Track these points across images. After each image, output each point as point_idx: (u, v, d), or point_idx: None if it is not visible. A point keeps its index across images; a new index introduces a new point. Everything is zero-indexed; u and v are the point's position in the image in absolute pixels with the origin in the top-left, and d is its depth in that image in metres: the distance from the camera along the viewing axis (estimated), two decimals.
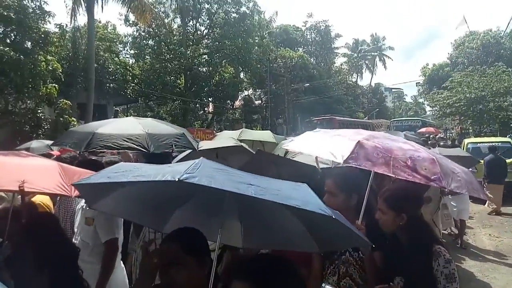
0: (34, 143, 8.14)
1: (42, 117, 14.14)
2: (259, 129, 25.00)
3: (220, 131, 15.75)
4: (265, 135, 8.35)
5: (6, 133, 13.08)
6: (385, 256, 2.23)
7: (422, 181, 2.12)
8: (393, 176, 2.20)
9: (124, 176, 1.45)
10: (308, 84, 31.83)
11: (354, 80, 49.19)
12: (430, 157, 2.22)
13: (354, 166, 2.19)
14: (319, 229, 1.63)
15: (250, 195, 1.28)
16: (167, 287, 1.63)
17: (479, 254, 7.28)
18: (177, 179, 1.25)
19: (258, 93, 35.32)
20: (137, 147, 3.50)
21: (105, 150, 3.55)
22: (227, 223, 1.93)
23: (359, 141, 2.28)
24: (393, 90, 64.57)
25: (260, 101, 34.40)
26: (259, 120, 32.89)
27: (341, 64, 48.59)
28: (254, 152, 4.68)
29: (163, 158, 3.64)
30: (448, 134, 28.90)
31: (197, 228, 1.69)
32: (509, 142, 13.54)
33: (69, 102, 14.78)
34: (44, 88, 13.15)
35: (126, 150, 3.82)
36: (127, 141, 3.49)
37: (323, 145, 2.53)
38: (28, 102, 13.83)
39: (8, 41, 13.02)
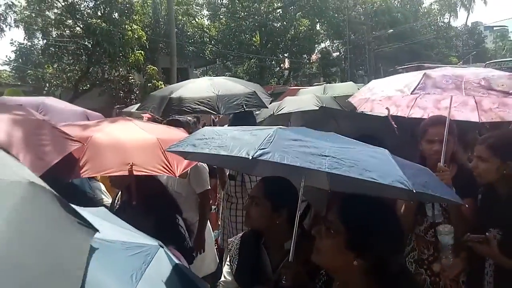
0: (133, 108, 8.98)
1: (133, 83, 15.39)
2: (339, 82, 24.04)
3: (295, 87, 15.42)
4: (349, 88, 7.93)
5: (105, 100, 14.59)
6: (479, 206, 2.09)
7: (500, 96, 1.96)
8: (464, 96, 2.09)
9: (207, 146, 1.52)
10: (391, 30, 29.21)
11: (446, 21, 43.77)
12: (506, 74, 2.07)
13: (422, 94, 2.07)
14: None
15: (324, 170, 1.28)
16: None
17: None
18: (250, 157, 1.29)
19: (336, 44, 33.51)
20: (208, 109, 3.68)
21: (179, 114, 3.75)
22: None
23: (425, 72, 2.16)
24: (494, 28, 56.18)
25: (338, 53, 32.74)
26: (338, 73, 31.50)
27: (431, 4, 43.28)
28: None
29: (248, 117, 3.75)
30: None
31: (284, 173, 1.75)
32: None
33: (155, 67, 15.78)
34: (133, 56, 14.18)
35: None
36: (198, 105, 3.67)
37: (386, 86, 2.39)
38: (120, 69, 15.10)
39: (99, 13, 14.11)
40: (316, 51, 30.65)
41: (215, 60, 26.02)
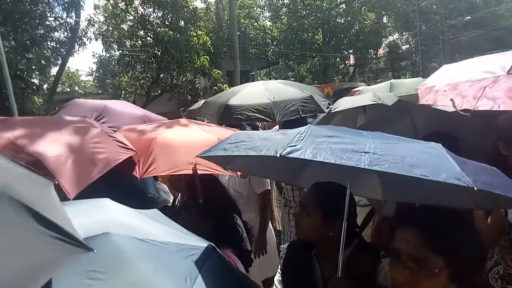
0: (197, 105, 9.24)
1: (199, 87, 16.02)
2: (409, 77, 22.55)
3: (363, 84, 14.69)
4: (416, 84, 7.17)
5: (174, 104, 15.38)
6: None
7: None
8: None
9: (237, 149, 1.42)
10: (469, 17, 26.74)
11: None
12: None
13: None
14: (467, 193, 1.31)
15: (362, 167, 1.11)
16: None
17: None
18: (278, 155, 1.18)
19: (405, 36, 31.61)
20: (264, 117, 3.62)
21: (235, 121, 3.76)
22: (362, 176, 1.78)
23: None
24: None
25: (408, 46, 30.83)
26: (408, 66, 29.67)
27: None
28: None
29: (300, 123, 3.59)
30: None
31: (333, 181, 1.61)
32: None
33: (219, 71, 16.27)
34: (198, 61, 14.76)
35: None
36: (255, 112, 3.62)
37: (469, 69, 2.04)
38: (187, 74, 15.82)
39: (166, 22, 14.92)
40: (383, 45, 29.20)
41: (277, 60, 26.08)
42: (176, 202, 2.70)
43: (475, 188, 1.02)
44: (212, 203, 2.02)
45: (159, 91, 16.51)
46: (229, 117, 3.70)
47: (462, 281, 0.97)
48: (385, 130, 1.66)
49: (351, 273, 1.49)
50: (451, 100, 2.08)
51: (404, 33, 30.98)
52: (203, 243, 1.02)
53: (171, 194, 3.21)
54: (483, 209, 1.75)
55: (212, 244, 1.03)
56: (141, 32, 15.66)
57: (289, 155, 1.18)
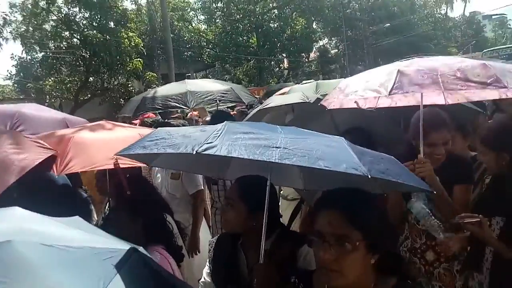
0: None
1: (133, 91, 15.46)
2: (339, 79, 23.94)
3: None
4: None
5: (105, 109, 14.68)
6: (483, 194, 2.08)
7: (478, 89, 1.89)
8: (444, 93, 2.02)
9: (156, 146, 1.44)
10: (388, 24, 29.18)
11: (443, 12, 43.58)
12: (479, 63, 1.97)
13: (401, 94, 2.01)
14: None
15: (273, 160, 1.23)
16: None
17: None
18: (194, 152, 1.24)
19: (334, 41, 33.52)
20: (178, 105, 3.74)
21: (152, 111, 3.85)
22: (284, 167, 1.89)
23: (398, 69, 2.05)
24: (493, 17, 55.77)
25: (336, 50, 32.73)
26: (337, 69, 31.48)
27: None
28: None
29: (226, 117, 3.73)
30: None
31: (257, 174, 1.69)
32: None
33: (154, 74, 15.85)
34: (131, 63, 14.25)
35: (201, 107, 4.03)
36: (170, 101, 3.74)
37: (360, 85, 2.27)
38: (119, 78, 15.18)
39: (94, 24, 14.20)
40: (314, 49, 30.66)
41: (213, 63, 26.12)
42: (105, 210, 2.65)
43: (369, 176, 1.19)
44: (139, 200, 2.02)
45: (89, 95, 15.65)
46: (143, 108, 3.77)
47: (376, 249, 1.14)
48: (308, 126, 1.81)
49: (273, 259, 1.58)
50: (356, 102, 2.34)
51: (333, 38, 32.87)
52: (124, 246, 0.99)
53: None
54: (385, 192, 1.95)
55: (135, 246, 1.01)
56: (66, 33, 14.72)
57: (205, 152, 1.24)
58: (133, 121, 5.92)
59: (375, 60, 30.92)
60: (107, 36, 13.27)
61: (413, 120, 2.28)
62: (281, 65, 29.22)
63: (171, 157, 1.83)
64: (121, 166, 2.08)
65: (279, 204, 3.86)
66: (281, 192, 3.82)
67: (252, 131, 1.42)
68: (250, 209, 1.67)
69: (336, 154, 1.31)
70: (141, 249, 1.07)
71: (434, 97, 2.23)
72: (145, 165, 2.36)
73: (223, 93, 3.89)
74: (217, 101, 3.77)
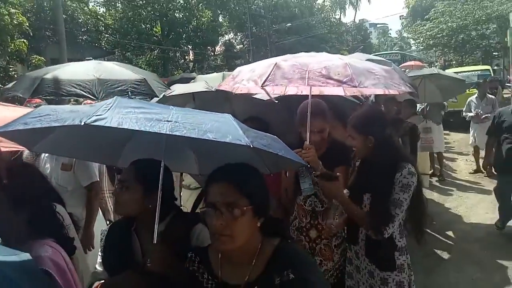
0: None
1: (15, 75, 13.63)
2: None
3: None
4: None
5: None
6: (356, 175, 2.37)
7: (335, 86, 2.19)
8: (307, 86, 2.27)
9: (39, 122, 1.35)
10: (290, 24, 30.81)
11: (337, 17, 47.70)
12: (343, 63, 2.25)
13: (271, 86, 2.23)
14: (261, 155, 1.67)
15: (164, 132, 1.26)
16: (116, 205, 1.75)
17: (456, 177, 7.72)
18: (82, 123, 1.19)
19: (239, 37, 34.15)
20: (85, 93, 3.42)
21: (52, 96, 3.44)
22: (180, 152, 1.96)
23: (276, 63, 2.30)
24: (377, 25, 63.00)
25: (241, 46, 33.41)
26: (242, 64, 32.06)
27: (324, 1, 46.74)
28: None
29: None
30: (432, 67, 28.80)
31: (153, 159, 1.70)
32: (488, 70, 13.68)
33: (42, 57, 14.19)
34: (13, 44, 12.52)
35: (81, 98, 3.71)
36: (75, 87, 3.39)
37: (247, 74, 2.48)
38: None
39: None
40: (220, 43, 30.80)
41: (113, 50, 24.39)
42: None
43: (251, 146, 1.32)
44: (24, 189, 1.86)
45: None
46: (43, 91, 3.35)
47: (261, 213, 1.28)
48: None
49: (168, 240, 1.59)
50: (263, 88, 2.50)
51: (238, 34, 33.43)
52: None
53: None
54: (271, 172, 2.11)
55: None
56: None
57: (94, 123, 1.21)
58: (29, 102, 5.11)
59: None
60: None
61: (299, 109, 2.55)
62: (186, 57, 28.68)
63: (58, 141, 1.73)
64: (3, 149, 1.89)
65: (181, 194, 3.91)
66: (183, 182, 3.85)
67: (143, 106, 1.43)
68: (145, 190, 1.67)
69: (223, 128, 1.39)
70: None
71: (302, 87, 2.49)
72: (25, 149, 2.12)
73: (136, 84, 3.62)
74: (129, 92, 3.48)
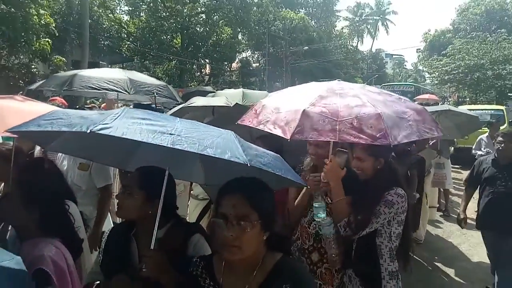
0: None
1: (37, 73, 14.00)
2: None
3: None
4: (262, 96, 7.97)
5: (0, 88, 13.01)
6: (354, 199, 2.40)
7: (368, 142, 2.05)
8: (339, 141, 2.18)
9: (51, 125, 1.39)
10: (307, 47, 31.25)
11: (354, 44, 48.29)
12: (375, 113, 2.11)
13: (299, 137, 2.10)
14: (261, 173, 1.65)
15: (165, 145, 1.28)
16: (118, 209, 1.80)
17: None
18: (88, 131, 1.24)
19: (256, 55, 34.71)
20: (117, 89, 3.55)
21: (86, 90, 3.56)
22: (188, 162, 2.00)
23: (304, 110, 2.15)
24: (394, 56, 63.50)
25: (257, 64, 33.89)
26: (257, 83, 32.55)
27: (342, 28, 47.50)
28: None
29: (147, 108, 3.67)
30: (445, 102, 28.87)
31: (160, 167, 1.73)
32: (502, 110, 13.65)
33: (63, 58, 14.57)
34: (38, 43, 12.91)
35: (110, 97, 3.87)
36: (107, 83, 3.53)
37: (274, 113, 2.38)
38: (22, 57, 13.62)
39: None
40: (237, 59, 31.30)
41: (132, 57, 24.94)
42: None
43: (248, 165, 1.35)
44: (37, 187, 1.85)
45: None
46: (78, 85, 3.47)
47: (268, 228, 1.34)
48: (224, 128, 1.91)
49: (165, 247, 1.62)
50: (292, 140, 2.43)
51: (255, 52, 34.00)
52: None
53: None
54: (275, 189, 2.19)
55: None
56: None
57: (99, 132, 1.25)
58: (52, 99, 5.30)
59: (292, 78, 32.84)
60: (13, 9, 11.85)
61: None
62: (203, 70, 29.15)
63: (71, 141, 1.77)
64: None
65: (188, 203, 3.98)
66: (192, 192, 3.92)
67: (150, 118, 1.46)
68: (147, 196, 1.70)
69: (224, 144, 1.43)
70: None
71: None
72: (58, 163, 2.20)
73: (160, 88, 3.84)
74: (154, 93, 3.67)
